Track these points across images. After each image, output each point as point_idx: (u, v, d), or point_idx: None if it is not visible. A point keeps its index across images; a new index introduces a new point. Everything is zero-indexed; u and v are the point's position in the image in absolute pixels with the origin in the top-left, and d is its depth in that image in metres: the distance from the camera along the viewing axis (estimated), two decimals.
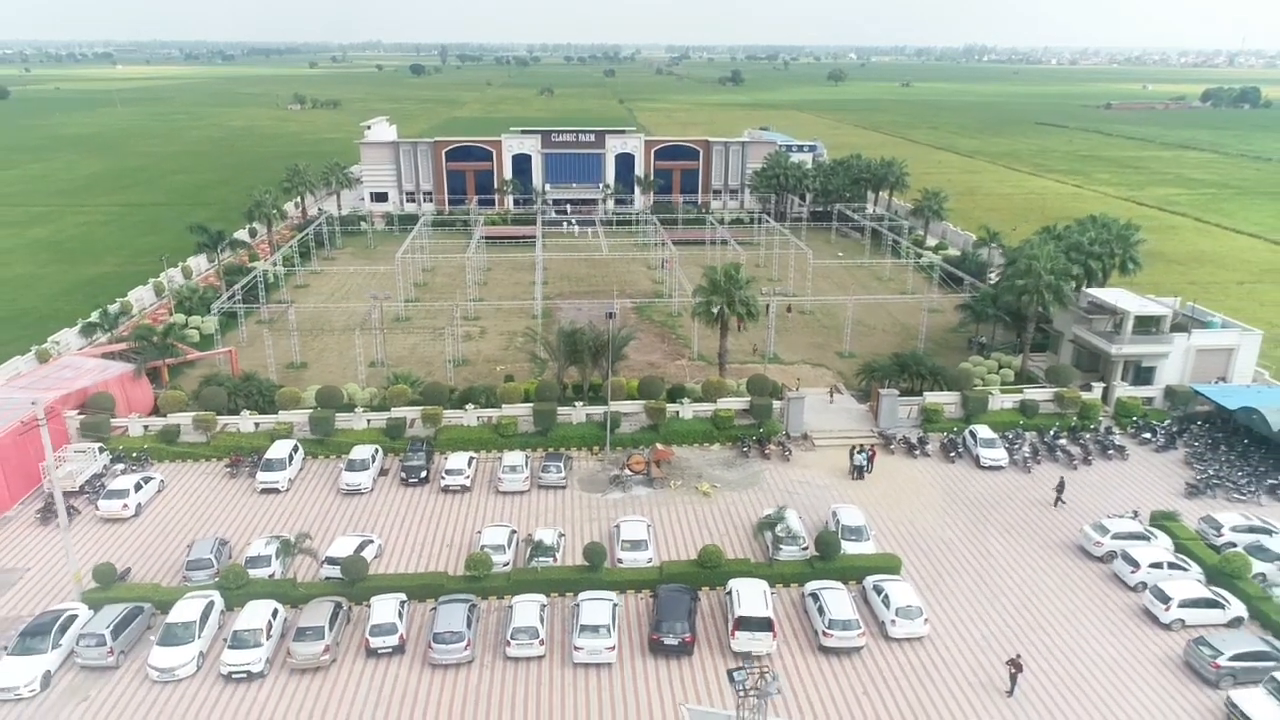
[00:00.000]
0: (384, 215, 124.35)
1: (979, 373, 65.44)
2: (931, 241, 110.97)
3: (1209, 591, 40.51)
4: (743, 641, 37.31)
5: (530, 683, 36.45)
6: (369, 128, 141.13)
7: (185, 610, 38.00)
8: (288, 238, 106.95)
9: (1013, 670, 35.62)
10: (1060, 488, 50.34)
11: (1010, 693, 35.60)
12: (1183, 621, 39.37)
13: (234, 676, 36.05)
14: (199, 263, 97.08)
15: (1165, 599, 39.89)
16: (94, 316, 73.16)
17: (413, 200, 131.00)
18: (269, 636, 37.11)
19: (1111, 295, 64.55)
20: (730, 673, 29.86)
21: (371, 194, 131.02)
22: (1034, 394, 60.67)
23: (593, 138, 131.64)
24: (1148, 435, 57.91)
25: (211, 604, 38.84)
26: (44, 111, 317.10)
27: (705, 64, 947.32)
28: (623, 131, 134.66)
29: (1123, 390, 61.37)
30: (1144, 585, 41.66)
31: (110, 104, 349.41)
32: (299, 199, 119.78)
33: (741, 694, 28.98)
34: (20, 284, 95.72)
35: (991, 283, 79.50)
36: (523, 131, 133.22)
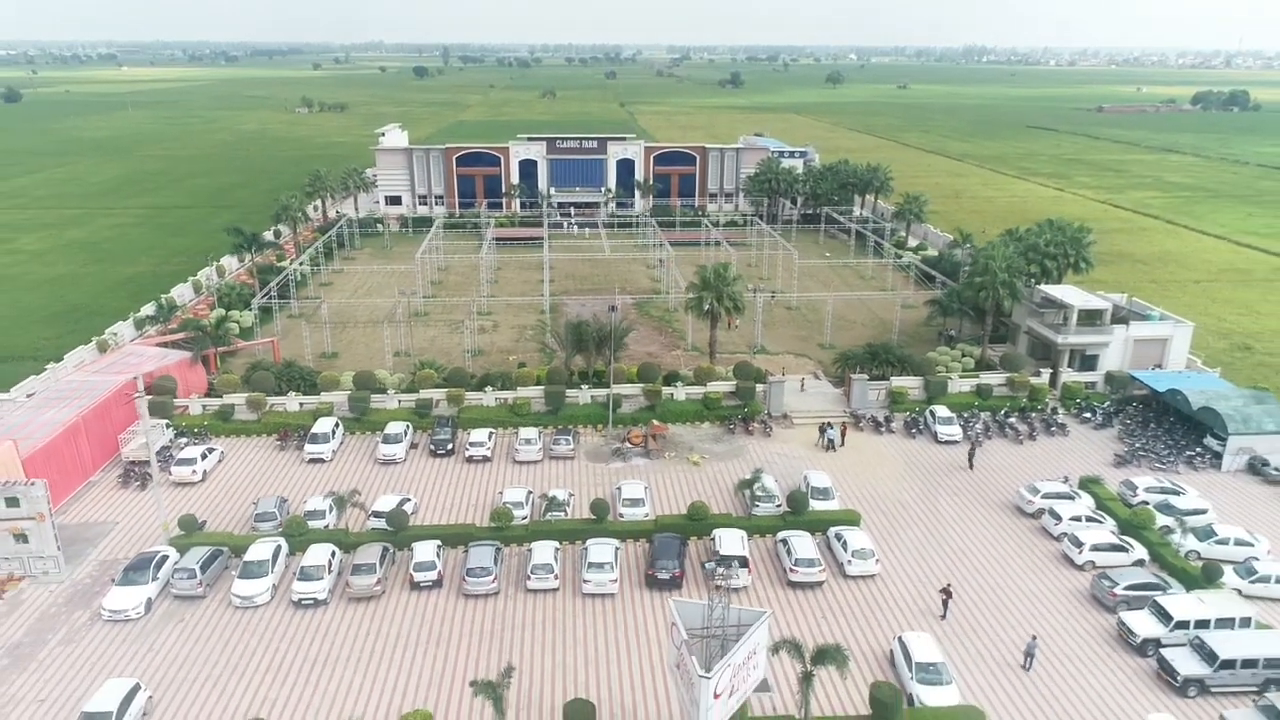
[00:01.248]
0: (399, 218, 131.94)
1: (944, 361, 72.96)
2: (913, 242, 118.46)
3: (1117, 539, 48.04)
4: (731, 576, 44.71)
5: (547, 609, 44.00)
6: (383, 134, 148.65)
7: (259, 551, 45.61)
8: (311, 239, 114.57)
9: (944, 597, 43.22)
10: (972, 454, 58.69)
11: (943, 616, 43.14)
12: (1093, 563, 46.86)
13: (302, 603, 43.64)
14: (230, 262, 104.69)
15: (1079, 544, 47.45)
16: (150, 310, 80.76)
17: (425, 203, 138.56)
18: (330, 572, 44.73)
19: (1060, 291, 72.07)
20: (703, 563, 37.78)
21: (386, 197, 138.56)
22: (989, 379, 68.25)
23: (595, 144, 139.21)
24: (1088, 415, 65.50)
25: (279, 547, 46.43)
26: (58, 115, 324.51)
27: (706, 65, 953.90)
28: (623, 138, 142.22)
29: (1068, 376, 68.93)
30: (1065, 535, 49.19)
31: (122, 107, 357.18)
32: (320, 202, 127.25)
33: (712, 575, 37.05)
34: (66, 282, 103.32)
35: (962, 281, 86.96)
36: (529, 138, 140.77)
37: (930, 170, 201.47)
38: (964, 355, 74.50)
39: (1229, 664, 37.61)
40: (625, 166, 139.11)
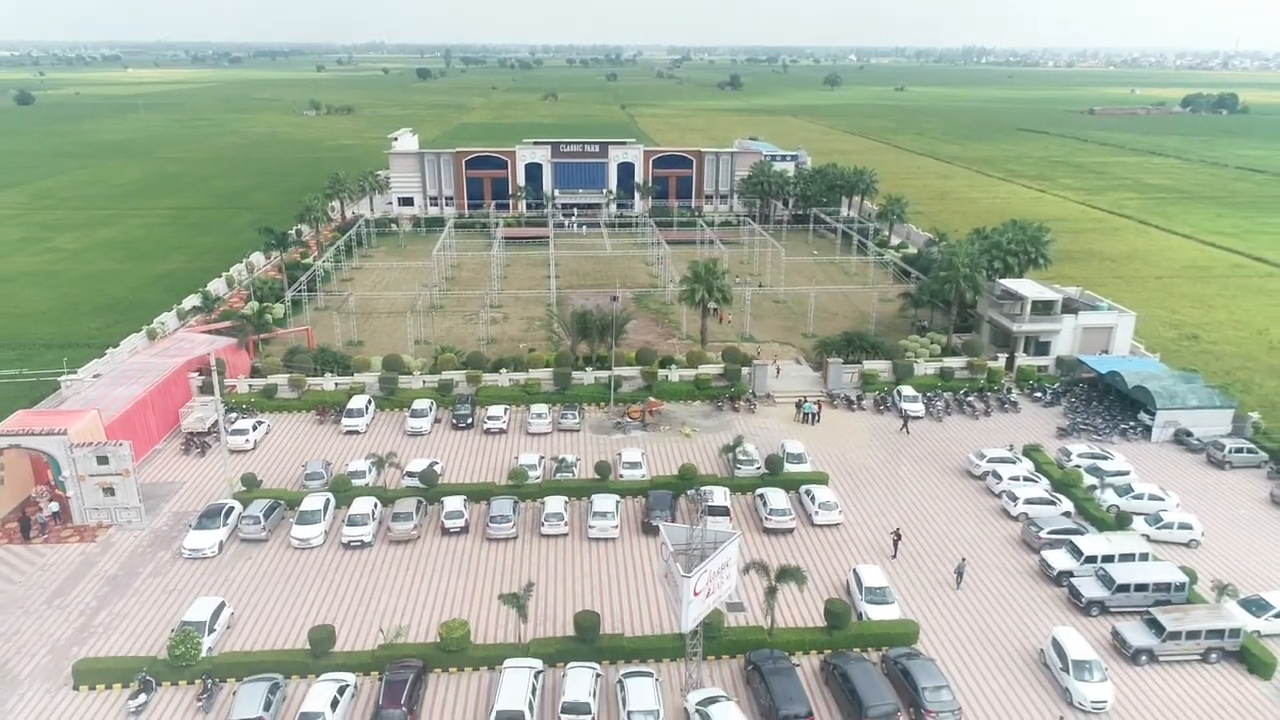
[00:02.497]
0: (411, 218, 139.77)
1: (914, 347, 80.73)
2: (896, 241, 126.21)
3: (1048, 495, 55.83)
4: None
5: (557, 551, 51.78)
6: (395, 139, 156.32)
7: (312, 502, 53.42)
8: (331, 237, 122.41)
9: (895, 539, 51.04)
10: (905, 424, 67.09)
11: (894, 555, 50.91)
12: (1026, 515, 54.58)
13: (351, 545, 51.44)
14: (258, 259, 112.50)
15: (1014, 498, 55.26)
16: (196, 302, 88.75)
17: (435, 204, 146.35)
18: (373, 519, 52.54)
19: (1018, 285, 79.82)
20: (687, 492, 45.92)
21: (399, 198, 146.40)
22: (951, 363, 76.05)
23: (597, 148, 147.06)
24: (1039, 394, 73.32)
25: (329, 500, 54.22)
26: (72, 117, 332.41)
27: (706, 66, 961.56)
28: (624, 142, 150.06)
29: (1023, 360, 76.72)
30: (1005, 492, 56.93)
31: (133, 110, 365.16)
32: (339, 203, 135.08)
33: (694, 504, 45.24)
34: (106, 278, 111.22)
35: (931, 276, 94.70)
36: (534, 142, 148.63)
37: (920, 172, 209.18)
38: (932, 342, 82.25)
39: (1124, 588, 45.40)
40: (625, 169, 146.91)
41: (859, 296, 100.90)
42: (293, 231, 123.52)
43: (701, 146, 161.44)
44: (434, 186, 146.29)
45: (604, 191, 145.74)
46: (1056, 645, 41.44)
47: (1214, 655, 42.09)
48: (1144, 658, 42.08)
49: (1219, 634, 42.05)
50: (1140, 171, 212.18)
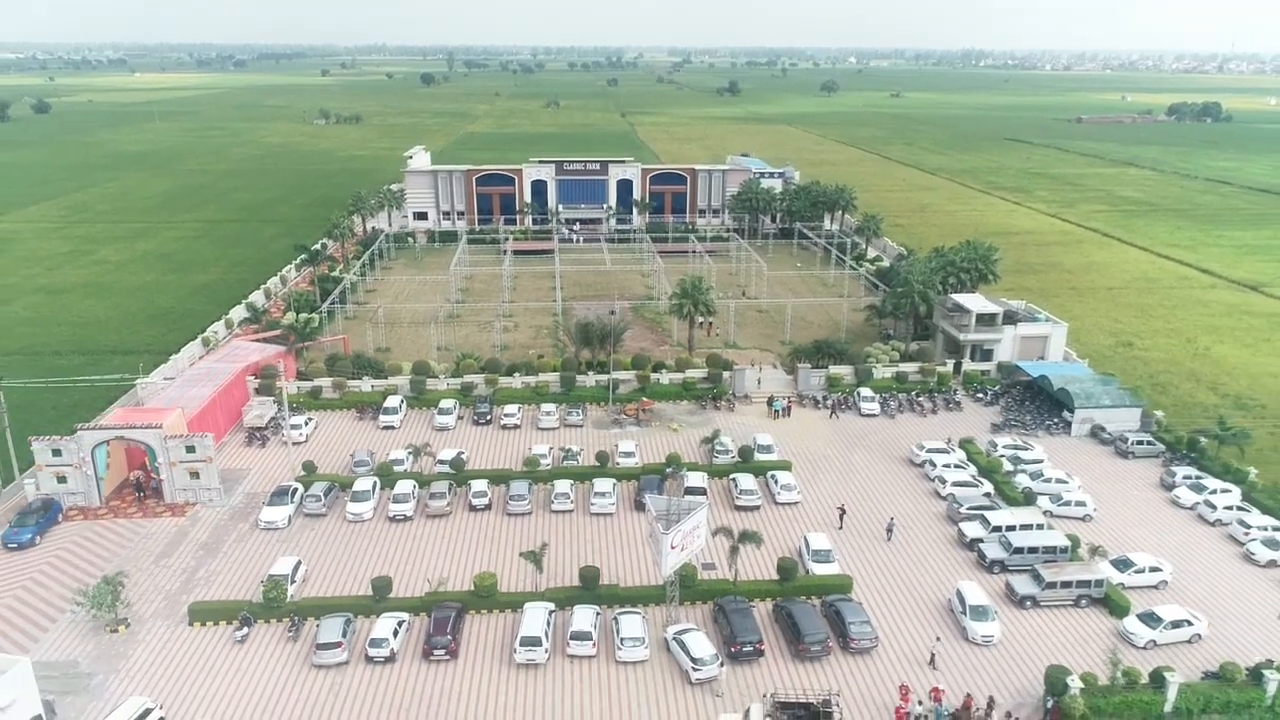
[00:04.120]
0: (426, 232, 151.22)
1: (877, 354, 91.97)
2: (873, 254, 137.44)
3: (973, 478, 67.15)
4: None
5: (565, 524, 63.07)
6: (410, 157, 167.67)
7: (363, 484, 64.83)
8: (353, 251, 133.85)
9: (840, 513, 62.38)
10: (833, 411, 79.19)
11: (840, 527, 62.24)
12: (954, 495, 65.79)
13: (395, 519, 62.82)
14: (289, 272, 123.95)
15: (945, 481, 66.61)
16: (243, 313, 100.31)
17: (448, 218, 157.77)
18: (413, 498, 63.93)
19: (965, 299, 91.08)
20: (665, 470, 57.74)
21: (414, 213, 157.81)
22: (906, 367, 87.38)
23: (598, 166, 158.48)
24: (980, 395, 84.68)
25: (376, 482, 65.62)
26: (91, 127, 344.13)
27: (705, 70, 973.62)
28: (623, 161, 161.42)
29: (970, 365, 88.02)
30: (937, 477, 68.21)
31: (149, 119, 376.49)
32: (361, 218, 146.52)
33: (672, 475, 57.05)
34: (152, 290, 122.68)
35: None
36: (540, 161, 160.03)
37: (904, 185, 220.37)
38: (893, 349, 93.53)
39: (1019, 550, 56.73)
40: (624, 186, 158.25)
41: (833, 307, 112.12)
42: (319, 245, 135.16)
43: (695, 164, 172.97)
44: (446, 202, 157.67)
45: (604, 207, 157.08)
46: (959, 594, 52.79)
47: (1083, 601, 53.42)
48: (1028, 603, 53.42)
49: (1087, 584, 53.41)
50: (1115, 183, 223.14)
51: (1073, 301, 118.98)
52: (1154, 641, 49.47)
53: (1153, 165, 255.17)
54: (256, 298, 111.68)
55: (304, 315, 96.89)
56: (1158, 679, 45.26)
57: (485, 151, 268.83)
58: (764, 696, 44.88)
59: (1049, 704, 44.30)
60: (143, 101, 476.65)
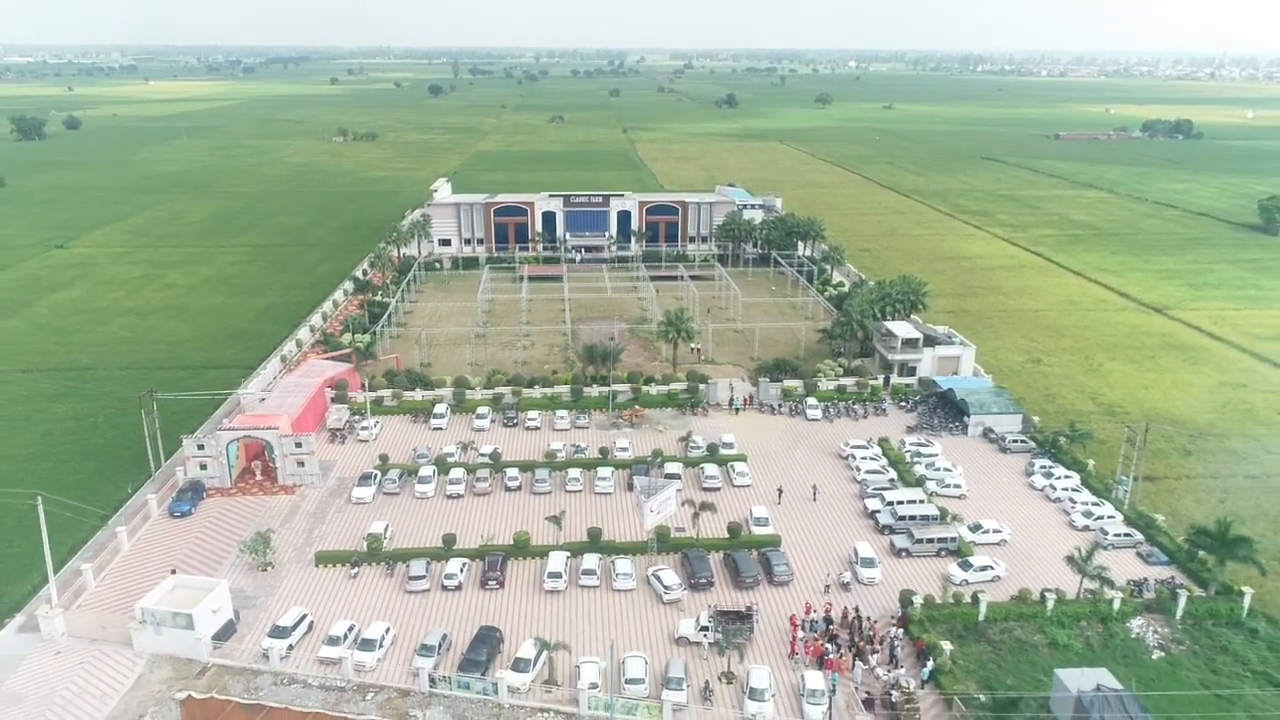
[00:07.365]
0: (450, 258, 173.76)
1: (826, 370, 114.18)
2: (838, 279, 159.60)
3: (882, 468, 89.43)
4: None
5: (577, 499, 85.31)
6: (435, 190, 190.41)
7: (425, 471, 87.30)
8: (391, 276, 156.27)
9: (779, 492, 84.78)
10: (736, 410, 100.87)
11: (779, 502, 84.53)
12: (867, 480, 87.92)
13: (451, 496, 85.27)
14: (338, 296, 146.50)
15: (859, 469, 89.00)
16: (312, 335, 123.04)
17: (469, 244, 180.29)
18: (464, 481, 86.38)
19: (894, 326, 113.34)
20: (647, 460, 79.87)
21: (439, 240, 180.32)
22: (845, 380, 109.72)
23: (601, 199, 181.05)
24: (903, 404, 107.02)
25: (435, 469, 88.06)
26: (124, 145, 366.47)
27: (706, 76, 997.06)
28: (622, 195, 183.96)
29: (897, 380, 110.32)
30: (857, 467, 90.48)
31: (176, 136, 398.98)
32: (398, 249, 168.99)
33: (649, 468, 78.96)
34: (223, 311, 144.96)
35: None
36: (550, 195, 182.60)
37: (879, 207, 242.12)
38: (839, 365, 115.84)
39: (904, 518, 79.06)
40: (624, 216, 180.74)
41: (798, 329, 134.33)
42: (360, 272, 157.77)
43: (687, 194, 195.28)
44: (468, 230, 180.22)
45: (606, 235, 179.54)
46: (854, 550, 75.12)
47: (943, 552, 75.71)
48: (904, 554, 75.76)
49: (946, 540, 75.77)
50: (1070, 206, 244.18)
51: (1001, 323, 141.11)
52: (966, 581, 71.62)
53: (1110, 187, 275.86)
54: (315, 320, 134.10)
55: (360, 336, 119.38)
56: (975, 599, 67.56)
57: (496, 172, 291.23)
58: (709, 607, 67.25)
59: (898, 614, 66.65)
60: (164, 115, 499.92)
